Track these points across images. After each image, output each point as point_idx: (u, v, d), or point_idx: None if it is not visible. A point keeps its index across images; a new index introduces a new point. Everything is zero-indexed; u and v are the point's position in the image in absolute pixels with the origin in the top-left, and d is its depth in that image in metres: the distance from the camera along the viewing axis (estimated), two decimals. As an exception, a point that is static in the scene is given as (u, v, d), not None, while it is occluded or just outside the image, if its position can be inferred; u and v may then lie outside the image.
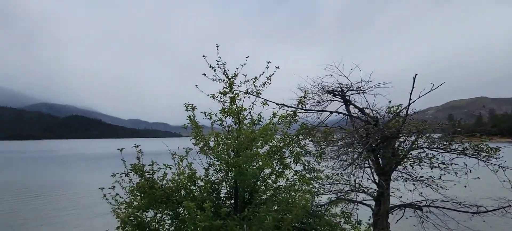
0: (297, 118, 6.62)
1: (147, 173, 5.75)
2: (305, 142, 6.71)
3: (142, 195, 5.62)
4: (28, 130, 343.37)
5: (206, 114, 6.23)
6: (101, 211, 15.46)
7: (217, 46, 5.64)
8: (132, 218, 5.61)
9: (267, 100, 6.16)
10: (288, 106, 6.41)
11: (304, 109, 6.69)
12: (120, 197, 5.88)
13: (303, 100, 6.74)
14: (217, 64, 5.89)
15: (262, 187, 6.48)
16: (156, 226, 5.78)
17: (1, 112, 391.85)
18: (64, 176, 37.28)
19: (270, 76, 6.04)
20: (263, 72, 5.96)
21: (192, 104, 6.15)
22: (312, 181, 6.45)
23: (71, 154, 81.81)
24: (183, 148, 6.06)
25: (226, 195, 6.27)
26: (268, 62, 5.90)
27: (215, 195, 6.14)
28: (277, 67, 5.94)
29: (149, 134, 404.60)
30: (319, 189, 6.86)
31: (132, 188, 5.75)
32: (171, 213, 5.92)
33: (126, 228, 5.58)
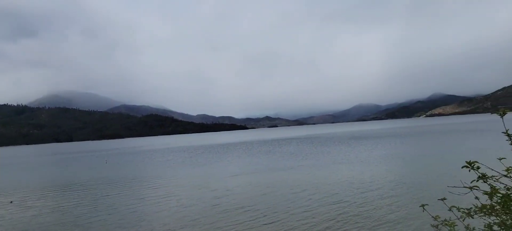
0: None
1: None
2: None
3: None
4: (113, 130, 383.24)
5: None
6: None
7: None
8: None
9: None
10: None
11: None
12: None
13: None
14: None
15: None
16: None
17: (91, 115, 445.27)
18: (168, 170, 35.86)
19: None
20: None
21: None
22: None
23: (160, 149, 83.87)
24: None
25: None
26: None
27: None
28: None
29: (216, 128, 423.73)
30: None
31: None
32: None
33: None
